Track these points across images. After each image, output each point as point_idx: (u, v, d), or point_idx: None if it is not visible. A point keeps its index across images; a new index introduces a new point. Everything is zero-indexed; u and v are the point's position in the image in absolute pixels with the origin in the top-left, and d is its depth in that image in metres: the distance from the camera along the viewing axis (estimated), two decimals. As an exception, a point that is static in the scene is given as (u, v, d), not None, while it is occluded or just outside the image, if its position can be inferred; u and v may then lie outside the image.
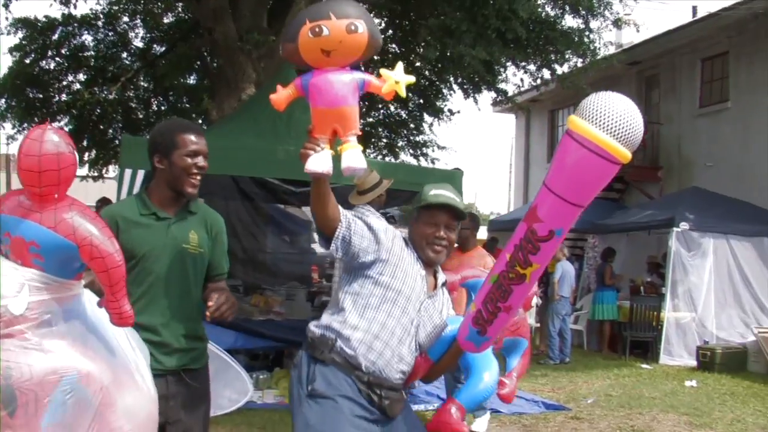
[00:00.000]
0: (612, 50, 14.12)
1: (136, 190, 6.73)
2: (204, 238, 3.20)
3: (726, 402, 8.67)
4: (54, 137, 2.47)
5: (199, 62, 15.95)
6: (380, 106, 16.74)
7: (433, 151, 17.77)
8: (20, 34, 14.77)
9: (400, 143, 17.77)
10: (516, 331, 4.37)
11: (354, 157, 2.62)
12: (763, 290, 12.38)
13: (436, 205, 3.16)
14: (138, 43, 16.55)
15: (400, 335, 3.06)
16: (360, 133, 2.69)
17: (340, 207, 2.92)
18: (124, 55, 16.60)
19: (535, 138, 22.44)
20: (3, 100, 15.62)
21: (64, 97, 16.06)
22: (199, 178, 3.17)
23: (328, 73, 2.62)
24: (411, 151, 17.76)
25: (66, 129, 16.27)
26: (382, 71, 2.66)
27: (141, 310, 2.95)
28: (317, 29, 2.53)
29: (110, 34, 16.12)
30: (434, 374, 3.34)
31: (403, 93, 2.66)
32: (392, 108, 16.74)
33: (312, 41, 2.55)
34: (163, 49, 15.99)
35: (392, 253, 3.07)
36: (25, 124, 15.80)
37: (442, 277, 3.32)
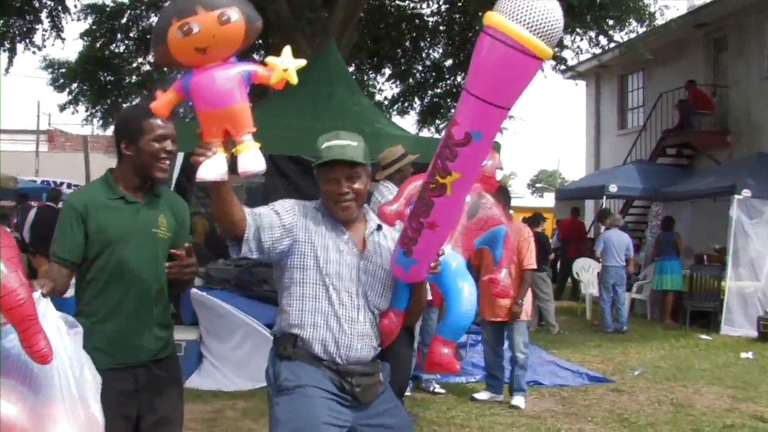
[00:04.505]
0: (675, 13, 13.71)
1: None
2: (172, 222, 3.15)
3: (778, 375, 8.49)
4: None
5: (260, 40, 16.19)
6: (448, 76, 16.70)
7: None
8: (90, 20, 15.10)
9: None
10: (484, 227, 3.81)
11: (250, 159, 2.45)
12: (830, 259, 12.00)
13: (329, 162, 2.94)
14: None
15: (350, 315, 2.96)
16: (254, 130, 2.49)
17: (244, 207, 2.79)
18: (191, 36, 16.88)
19: (605, 104, 22.05)
20: (75, 84, 16.15)
21: (134, 78, 16.53)
22: (168, 162, 3.09)
23: (210, 70, 2.42)
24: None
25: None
26: (268, 60, 2.46)
27: (109, 296, 2.97)
28: (186, 28, 2.32)
29: (177, 16, 16.41)
30: (413, 318, 3.27)
31: (294, 80, 2.45)
32: (459, 78, 16.59)
33: (183, 41, 2.34)
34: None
35: (306, 229, 2.95)
36: (98, 107, 16.38)
37: (372, 223, 3.13)
